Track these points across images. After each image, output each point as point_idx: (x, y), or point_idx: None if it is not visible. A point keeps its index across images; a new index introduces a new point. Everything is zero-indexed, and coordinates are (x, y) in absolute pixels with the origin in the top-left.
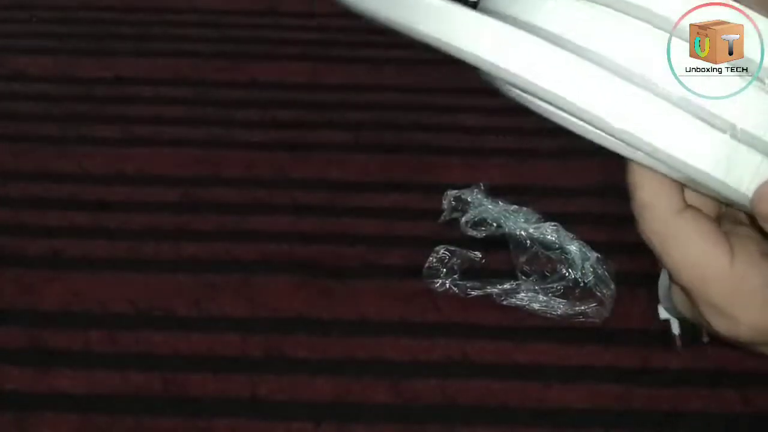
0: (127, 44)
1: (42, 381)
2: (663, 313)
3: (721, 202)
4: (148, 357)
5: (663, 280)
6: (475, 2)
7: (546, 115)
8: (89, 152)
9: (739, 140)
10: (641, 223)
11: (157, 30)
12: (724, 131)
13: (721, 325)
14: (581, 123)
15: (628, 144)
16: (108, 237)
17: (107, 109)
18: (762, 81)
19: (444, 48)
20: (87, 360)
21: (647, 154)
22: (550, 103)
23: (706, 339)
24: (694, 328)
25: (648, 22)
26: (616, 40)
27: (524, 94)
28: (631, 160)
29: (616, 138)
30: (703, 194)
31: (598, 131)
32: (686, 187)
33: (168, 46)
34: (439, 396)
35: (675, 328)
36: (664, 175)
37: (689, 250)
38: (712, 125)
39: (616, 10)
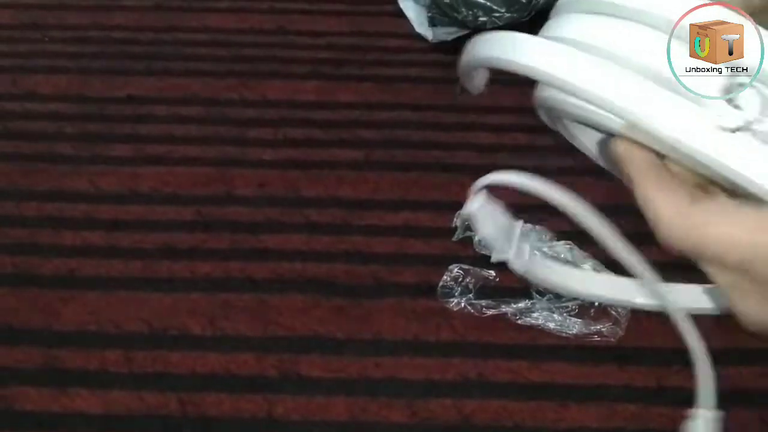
0: (139, 63)
1: (58, 401)
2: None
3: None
4: (163, 376)
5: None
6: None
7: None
8: (102, 171)
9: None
10: (670, 235)
11: (168, 49)
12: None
13: None
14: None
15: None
16: (122, 256)
17: (120, 128)
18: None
19: (513, 68)
20: (103, 380)
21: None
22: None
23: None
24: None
25: (649, 24)
26: (625, 42)
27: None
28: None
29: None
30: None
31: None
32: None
33: (179, 65)
34: (455, 415)
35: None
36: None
37: (722, 228)
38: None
39: (622, 18)
